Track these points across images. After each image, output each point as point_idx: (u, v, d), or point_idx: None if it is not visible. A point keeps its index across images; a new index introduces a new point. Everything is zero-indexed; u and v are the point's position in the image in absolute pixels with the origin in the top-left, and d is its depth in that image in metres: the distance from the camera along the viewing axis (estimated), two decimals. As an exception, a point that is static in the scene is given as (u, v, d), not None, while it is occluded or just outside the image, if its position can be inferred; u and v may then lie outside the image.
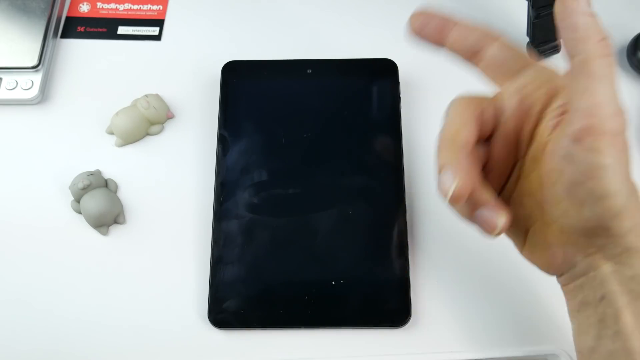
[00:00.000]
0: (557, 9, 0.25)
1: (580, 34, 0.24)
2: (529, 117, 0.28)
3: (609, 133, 0.24)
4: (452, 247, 0.40)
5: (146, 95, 0.43)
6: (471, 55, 0.30)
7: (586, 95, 0.24)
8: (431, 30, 0.30)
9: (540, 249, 0.29)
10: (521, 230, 0.30)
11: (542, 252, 0.29)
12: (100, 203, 0.40)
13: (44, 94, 0.45)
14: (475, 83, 0.45)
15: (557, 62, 0.45)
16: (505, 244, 0.40)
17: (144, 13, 0.49)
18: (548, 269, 0.29)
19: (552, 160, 0.27)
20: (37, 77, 0.45)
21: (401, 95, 0.43)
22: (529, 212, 0.29)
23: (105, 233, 0.41)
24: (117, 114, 0.43)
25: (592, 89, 0.24)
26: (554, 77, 0.28)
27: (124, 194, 0.42)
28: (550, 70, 0.29)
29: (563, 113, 0.27)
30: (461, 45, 0.30)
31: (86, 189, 0.40)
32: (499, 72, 0.29)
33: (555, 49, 0.44)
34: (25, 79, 0.45)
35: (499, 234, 0.28)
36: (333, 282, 0.38)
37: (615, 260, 0.26)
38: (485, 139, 0.30)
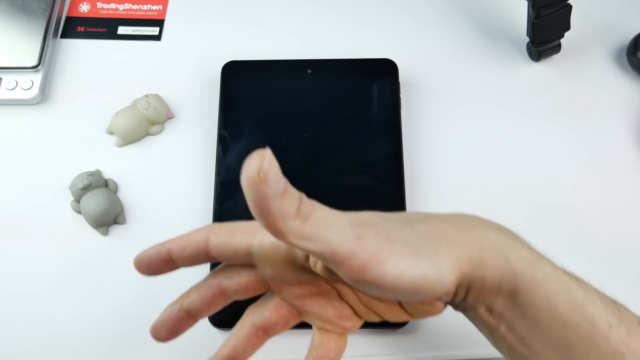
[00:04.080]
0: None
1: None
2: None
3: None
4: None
5: (146, 95, 0.43)
6: (201, 254, 0.29)
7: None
8: (158, 265, 0.30)
9: (419, 311, 0.28)
10: (390, 312, 0.29)
11: (422, 313, 0.28)
12: (100, 203, 0.40)
13: (44, 94, 0.45)
14: (474, 83, 0.45)
15: (557, 62, 0.45)
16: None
17: (144, 13, 0.49)
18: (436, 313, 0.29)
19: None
20: (37, 77, 0.45)
21: (401, 95, 0.43)
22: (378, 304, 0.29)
23: (105, 233, 0.41)
24: (117, 114, 0.43)
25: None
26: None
27: (124, 194, 0.42)
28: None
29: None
30: (185, 257, 0.29)
31: (86, 189, 0.40)
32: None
33: (555, 49, 0.44)
34: (25, 79, 0.45)
35: None
36: (333, 282, 0.38)
37: (477, 302, 0.26)
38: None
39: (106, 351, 0.38)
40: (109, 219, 0.41)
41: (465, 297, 0.26)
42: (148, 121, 0.43)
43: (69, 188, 0.41)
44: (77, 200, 0.41)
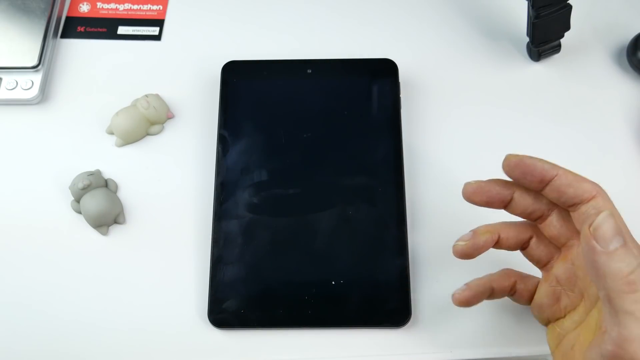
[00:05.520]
0: (582, 245, 0.27)
1: (599, 272, 0.27)
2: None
3: None
4: (452, 247, 0.39)
5: (146, 95, 0.43)
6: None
7: (616, 327, 0.26)
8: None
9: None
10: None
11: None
12: (100, 203, 0.40)
13: (44, 94, 0.45)
14: (474, 83, 0.45)
15: (557, 62, 0.45)
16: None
17: (144, 13, 0.49)
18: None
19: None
20: (37, 77, 0.45)
21: (401, 95, 0.43)
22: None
23: (105, 233, 0.41)
24: (117, 114, 0.43)
25: (621, 323, 0.26)
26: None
27: (124, 194, 0.42)
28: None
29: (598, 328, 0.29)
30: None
31: (86, 189, 0.40)
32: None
33: (555, 49, 0.44)
34: (25, 79, 0.45)
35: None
36: (333, 282, 0.38)
37: None
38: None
39: (106, 351, 0.38)
40: (109, 219, 0.41)
41: None
42: (148, 121, 0.43)
43: (69, 188, 0.41)
44: (77, 200, 0.41)
